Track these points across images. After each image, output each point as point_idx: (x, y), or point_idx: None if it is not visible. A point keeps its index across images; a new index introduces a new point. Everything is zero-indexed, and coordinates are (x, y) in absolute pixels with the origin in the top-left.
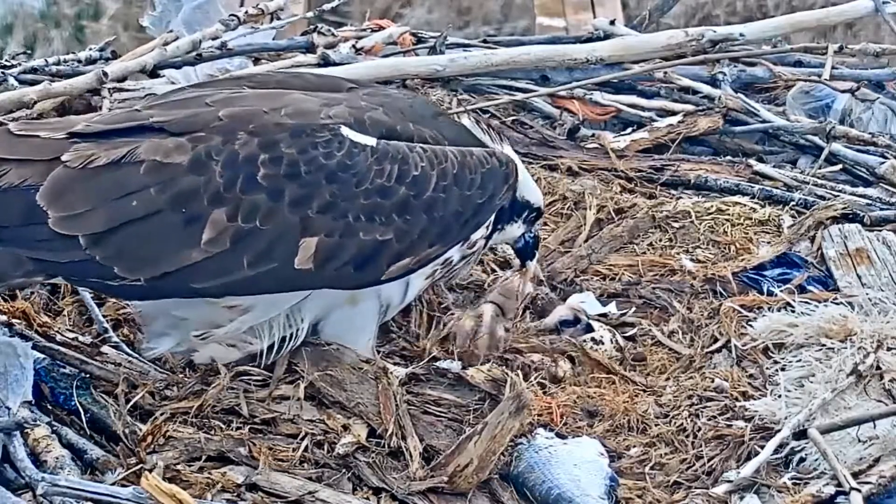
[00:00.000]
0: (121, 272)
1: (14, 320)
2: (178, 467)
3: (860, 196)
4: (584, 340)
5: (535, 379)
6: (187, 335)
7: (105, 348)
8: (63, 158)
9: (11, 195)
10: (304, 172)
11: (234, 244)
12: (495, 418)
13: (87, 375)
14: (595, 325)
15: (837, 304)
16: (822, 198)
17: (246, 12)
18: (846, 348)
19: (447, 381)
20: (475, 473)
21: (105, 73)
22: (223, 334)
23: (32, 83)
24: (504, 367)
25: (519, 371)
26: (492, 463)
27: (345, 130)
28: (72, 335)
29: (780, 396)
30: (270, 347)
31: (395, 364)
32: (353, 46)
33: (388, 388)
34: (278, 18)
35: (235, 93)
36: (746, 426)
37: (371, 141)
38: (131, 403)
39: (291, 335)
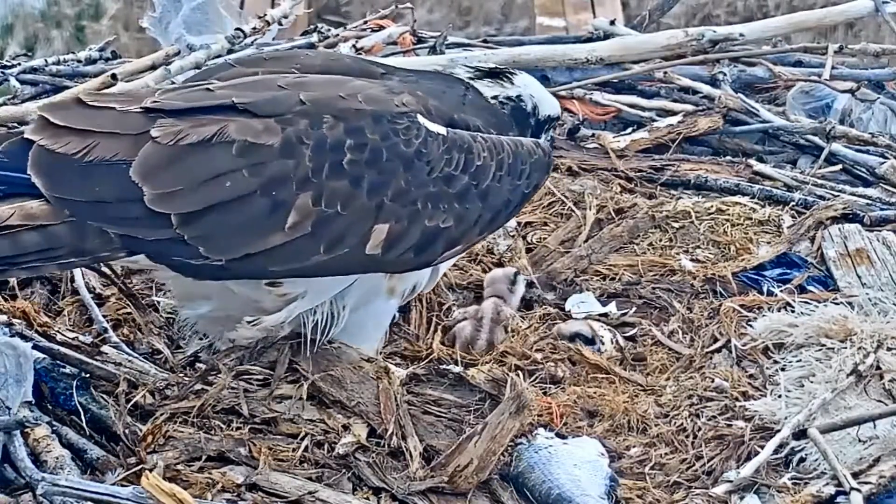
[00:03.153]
0: (206, 252)
1: (14, 320)
2: (178, 467)
3: (860, 196)
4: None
5: (535, 379)
6: (231, 323)
7: (105, 348)
8: (153, 134)
9: (103, 170)
10: (385, 159)
11: (314, 229)
12: (496, 418)
13: (87, 375)
14: (595, 325)
15: (837, 304)
16: (822, 198)
17: (253, 28)
18: (846, 348)
19: (448, 381)
20: (475, 473)
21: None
22: (272, 322)
23: (33, 83)
24: (504, 368)
25: (519, 372)
26: (492, 463)
27: (421, 119)
28: (72, 335)
29: (780, 396)
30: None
31: (395, 364)
32: (354, 46)
33: (389, 388)
34: (280, 25)
35: (301, 77)
36: (746, 426)
37: (442, 129)
38: (131, 403)
39: (331, 323)
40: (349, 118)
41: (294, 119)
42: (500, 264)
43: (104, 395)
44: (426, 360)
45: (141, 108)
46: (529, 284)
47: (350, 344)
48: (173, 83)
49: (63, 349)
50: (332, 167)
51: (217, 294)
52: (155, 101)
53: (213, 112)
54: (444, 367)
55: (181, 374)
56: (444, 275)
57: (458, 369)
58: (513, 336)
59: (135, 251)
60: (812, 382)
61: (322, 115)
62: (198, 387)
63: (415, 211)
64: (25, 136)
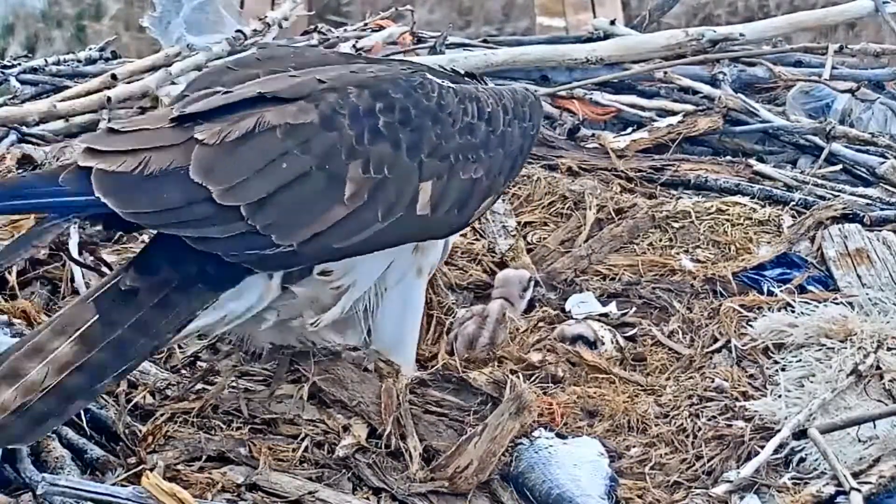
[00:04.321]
0: (277, 239)
1: (15, 320)
2: (179, 467)
3: (860, 196)
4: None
5: (536, 380)
6: (289, 331)
7: None
8: (198, 137)
9: (164, 179)
10: (414, 116)
11: (370, 197)
12: (495, 419)
13: None
14: (596, 325)
15: (837, 304)
16: (822, 198)
17: (254, 30)
18: (846, 348)
19: (451, 384)
20: (475, 474)
21: (109, 98)
22: (331, 318)
23: (33, 83)
24: (504, 369)
25: (519, 373)
26: (492, 464)
27: (430, 76)
28: None
29: (780, 396)
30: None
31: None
32: (354, 46)
33: (392, 388)
34: (280, 27)
35: (303, 69)
36: (746, 426)
37: (449, 83)
38: (132, 404)
39: (374, 307)
40: (371, 85)
41: (322, 96)
42: (502, 264)
43: (104, 395)
44: (429, 361)
45: (171, 120)
46: (535, 284)
47: (389, 353)
48: (177, 86)
49: None
50: (371, 132)
51: (279, 302)
52: (182, 112)
53: (242, 107)
54: (449, 372)
55: (182, 375)
56: (444, 275)
57: (460, 374)
58: (513, 337)
59: (208, 250)
60: (812, 382)
61: (346, 88)
62: (198, 387)
63: (450, 165)
64: (80, 164)
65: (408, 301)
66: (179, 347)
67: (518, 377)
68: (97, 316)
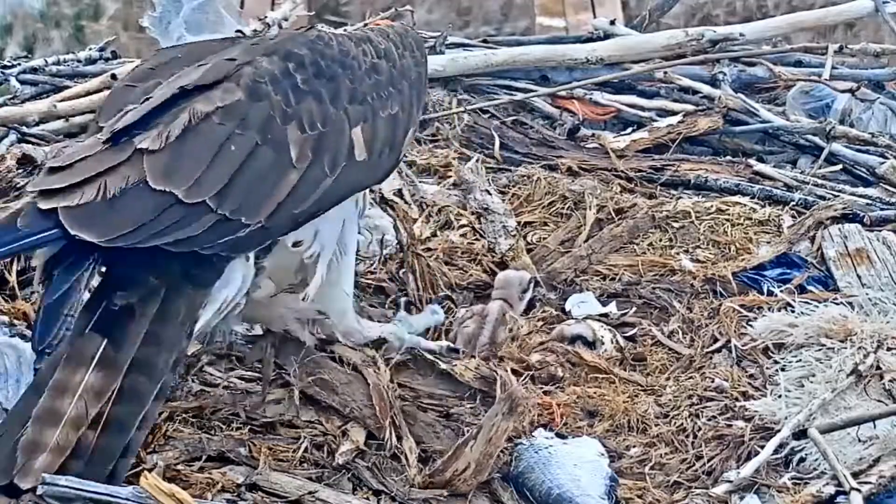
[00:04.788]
0: (247, 220)
1: (15, 321)
2: (179, 467)
3: (860, 196)
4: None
5: (535, 380)
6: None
7: None
8: (142, 147)
9: (130, 197)
10: (325, 67)
11: (314, 154)
12: (489, 420)
13: None
14: (595, 325)
15: (837, 304)
16: (822, 198)
17: (254, 30)
18: (846, 348)
19: (438, 377)
20: (473, 476)
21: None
22: (315, 287)
23: (33, 83)
24: (492, 364)
25: (515, 372)
26: (489, 465)
27: (320, 27)
28: None
29: (780, 396)
30: None
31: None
32: None
33: (379, 384)
34: (280, 27)
35: (201, 59)
36: (746, 426)
37: (340, 30)
38: None
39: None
40: (276, 50)
41: (239, 72)
42: (502, 264)
43: None
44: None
45: (105, 142)
46: (535, 284)
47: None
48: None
49: None
50: (295, 91)
51: (264, 281)
52: (111, 131)
53: (168, 107)
54: (428, 357)
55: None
56: (445, 275)
57: (444, 365)
58: (513, 337)
59: (188, 249)
60: (812, 382)
61: (255, 59)
62: (196, 388)
63: (370, 107)
64: (39, 206)
65: (351, 256)
66: None
67: (507, 371)
68: (105, 340)
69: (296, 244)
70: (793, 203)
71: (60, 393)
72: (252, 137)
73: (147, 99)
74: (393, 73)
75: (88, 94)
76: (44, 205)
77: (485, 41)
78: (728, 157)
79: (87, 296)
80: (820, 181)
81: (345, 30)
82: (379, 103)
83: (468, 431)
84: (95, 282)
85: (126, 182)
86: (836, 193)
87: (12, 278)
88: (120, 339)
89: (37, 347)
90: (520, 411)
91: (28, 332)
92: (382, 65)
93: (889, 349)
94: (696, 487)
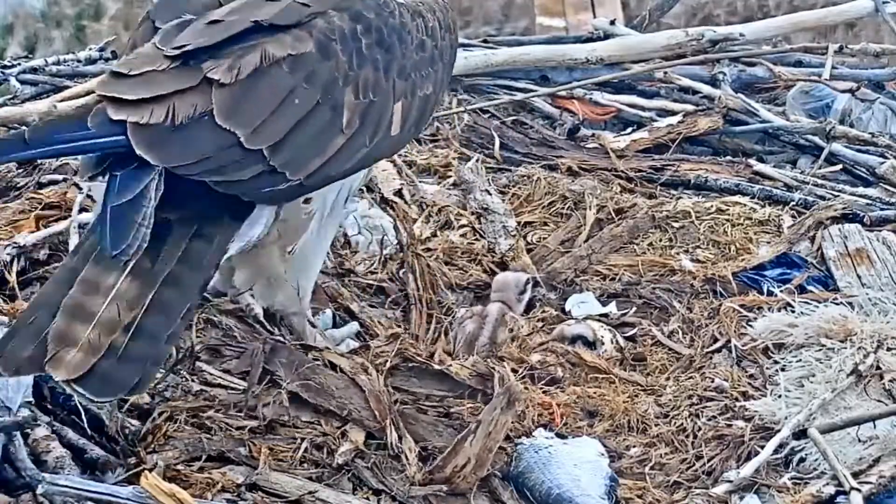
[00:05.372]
0: (291, 175)
1: (14, 320)
2: (179, 467)
3: (860, 196)
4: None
5: (535, 380)
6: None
7: None
8: (212, 77)
9: (193, 128)
10: (386, 36)
11: (361, 123)
12: (488, 415)
13: None
14: (595, 325)
15: (837, 304)
16: (822, 198)
17: None
18: (846, 348)
19: (434, 377)
20: (474, 472)
21: None
22: (303, 243)
23: (33, 83)
24: (488, 362)
25: (505, 365)
26: (489, 460)
27: None
28: None
29: (780, 396)
30: None
31: (383, 363)
32: None
33: (373, 388)
34: None
35: None
36: (746, 426)
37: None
38: (129, 403)
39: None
40: (346, 7)
41: (312, 23)
42: (502, 264)
43: None
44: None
45: (172, 59)
46: (535, 284)
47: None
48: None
49: None
50: (358, 55)
51: (274, 227)
52: (180, 49)
53: (240, 39)
54: (420, 361)
55: (180, 375)
56: (445, 275)
57: (437, 365)
58: (513, 338)
59: (234, 192)
60: (812, 382)
61: (328, 12)
62: (196, 388)
63: (413, 84)
64: (111, 116)
65: (335, 225)
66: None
67: (505, 367)
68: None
69: (306, 201)
70: (793, 203)
71: (92, 290)
72: (315, 94)
73: (214, 21)
74: (434, 52)
75: (88, 93)
76: (114, 114)
77: (485, 41)
78: (728, 157)
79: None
80: (820, 181)
81: None
82: (419, 81)
83: (467, 428)
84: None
85: (194, 111)
86: (836, 193)
87: (12, 279)
88: (156, 252)
89: (110, 251)
90: (517, 406)
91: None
92: (428, 43)
93: (889, 349)
94: (696, 487)
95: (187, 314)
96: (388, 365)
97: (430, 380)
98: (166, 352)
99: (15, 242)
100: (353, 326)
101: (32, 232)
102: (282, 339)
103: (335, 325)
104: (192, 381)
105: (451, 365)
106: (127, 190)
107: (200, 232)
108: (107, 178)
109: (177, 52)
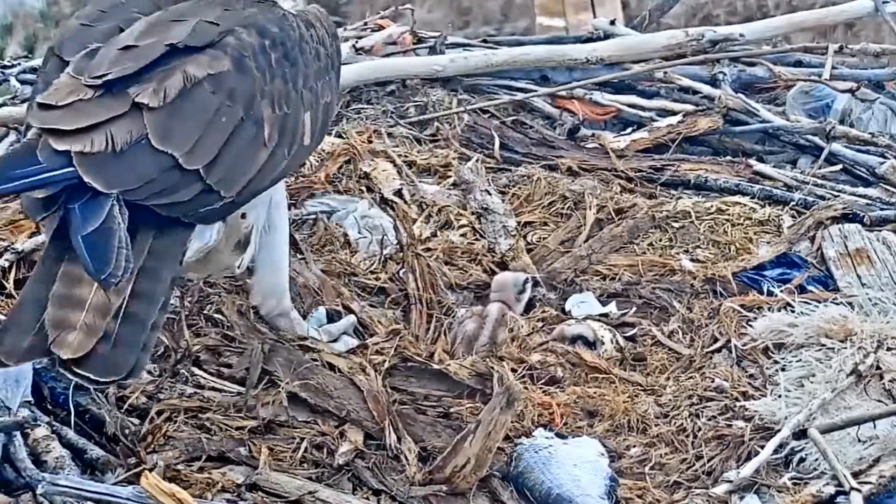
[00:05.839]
0: (225, 193)
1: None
2: (179, 467)
3: (860, 196)
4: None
5: (535, 380)
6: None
7: None
8: (141, 101)
9: (136, 153)
10: (290, 49)
11: (280, 135)
12: (487, 415)
13: None
14: (595, 325)
15: (837, 304)
16: (822, 198)
17: None
18: (846, 348)
19: (432, 377)
20: (473, 472)
21: None
22: (249, 256)
23: (33, 83)
24: (488, 361)
25: (504, 365)
26: (489, 459)
27: (281, 3)
28: None
29: (780, 396)
30: None
31: (381, 362)
32: (353, 46)
33: (372, 389)
34: None
35: (163, 13)
36: (746, 426)
37: (290, 8)
38: (127, 403)
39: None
40: (253, 24)
41: (224, 41)
42: (502, 264)
43: (103, 396)
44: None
45: (95, 88)
46: (535, 284)
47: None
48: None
49: None
50: (269, 70)
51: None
52: (102, 77)
53: (159, 63)
54: (419, 361)
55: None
56: (445, 275)
57: (436, 365)
58: (513, 338)
59: (175, 214)
60: (812, 382)
61: (235, 29)
62: (190, 390)
63: (316, 93)
64: (53, 146)
65: (284, 229)
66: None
67: (504, 366)
68: None
69: (243, 216)
70: (793, 203)
71: (76, 282)
72: (238, 111)
73: (128, 47)
74: (328, 61)
75: None
76: (58, 145)
77: (485, 41)
78: (728, 157)
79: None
80: (820, 181)
81: (293, 8)
82: (320, 90)
83: (467, 428)
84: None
85: (130, 136)
86: (836, 193)
87: (9, 285)
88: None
89: (98, 277)
90: (517, 405)
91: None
92: (322, 52)
93: (889, 349)
94: (696, 487)
95: (165, 304)
96: (386, 365)
97: (428, 380)
98: (153, 339)
99: (13, 248)
100: (350, 319)
101: (31, 236)
102: (280, 340)
103: (330, 321)
104: (192, 381)
105: (449, 364)
106: (92, 218)
107: (157, 239)
108: (60, 213)
109: (98, 80)
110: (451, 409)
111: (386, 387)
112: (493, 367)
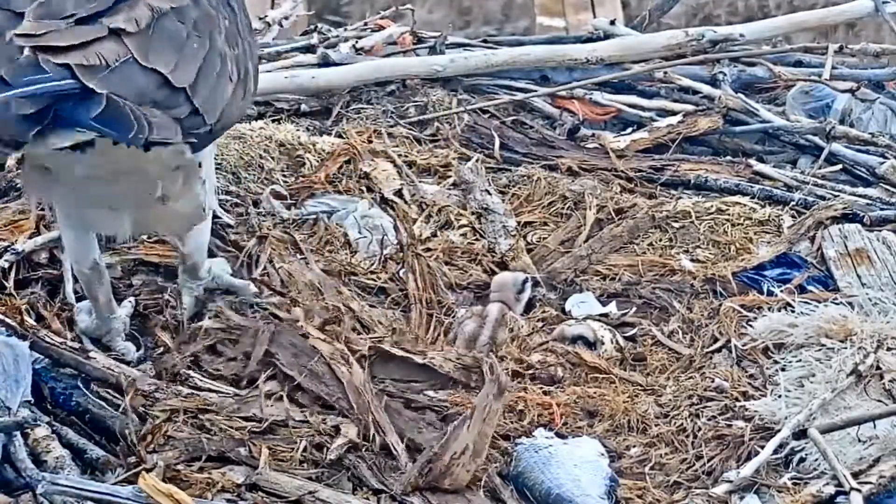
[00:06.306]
0: (208, 119)
1: (13, 322)
2: (179, 467)
3: (860, 196)
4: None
5: (535, 380)
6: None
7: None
8: (116, 26)
9: (127, 69)
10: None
11: (238, 72)
12: (481, 402)
13: (87, 375)
14: (595, 325)
15: (837, 304)
16: (822, 198)
17: (254, 29)
18: (846, 348)
19: (420, 372)
20: (472, 459)
21: None
22: (202, 201)
23: None
24: (473, 354)
25: (494, 357)
26: (486, 447)
27: None
28: (71, 334)
29: (780, 396)
30: None
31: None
32: (353, 46)
33: (352, 380)
34: (280, 26)
35: None
36: (746, 426)
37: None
38: (129, 399)
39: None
40: None
41: None
42: (502, 264)
43: (103, 396)
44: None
45: (73, 22)
46: (535, 284)
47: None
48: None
49: (61, 349)
50: (220, 10)
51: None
52: (71, 16)
53: (123, 1)
54: (401, 350)
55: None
56: (445, 275)
57: (420, 359)
58: (513, 338)
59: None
60: (812, 382)
61: None
62: (185, 391)
63: (250, 43)
64: (53, 61)
65: (213, 190)
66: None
67: (492, 356)
68: None
69: (199, 164)
70: (793, 203)
71: None
72: (205, 42)
73: None
74: (244, 18)
75: None
76: (57, 60)
77: (485, 41)
78: (728, 157)
79: None
80: (820, 181)
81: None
82: (249, 43)
83: (463, 415)
84: None
85: (118, 56)
86: (836, 193)
87: (10, 284)
88: None
89: (127, 139)
90: (507, 394)
91: (26, 332)
92: (241, 6)
93: (889, 349)
94: (696, 487)
95: None
96: (371, 357)
97: (414, 372)
98: None
99: (13, 248)
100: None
101: (31, 236)
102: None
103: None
104: (191, 381)
105: (434, 357)
106: (94, 106)
107: None
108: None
109: (68, 20)
110: (436, 401)
111: (370, 378)
112: (479, 359)
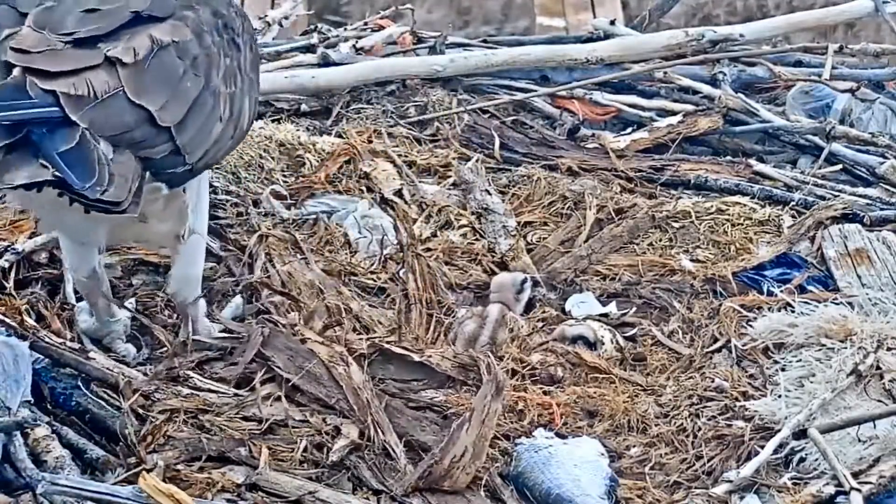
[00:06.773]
0: (189, 158)
1: (13, 322)
2: (179, 467)
3: (860, 196)
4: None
5: (535, 380)
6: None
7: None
8: (113, 56)
9: (114, 102)
10: (237, 35)
11: (230, 111)
12: (480, 402)
13: (87, 375)
14: (595, 325)
15: (837, 304)
16: (822, 198)
17: (254, 29)
18: (846, 348)
19: (417, 371)
20: (472, 461)
21: None
22: (189, 231)
23: None
24: (470, 352)
25: (492, 357)
26: (485, 449)
27: None
28: (71, 335)
29: (780, 396)
30: None
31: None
32: (353, 46)
33: (350, 381)
34: (280, 26)
35: None
36: (746, 426)
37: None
38: (130, 402)
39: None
40: (207, 2)
41: (183, 14)
42: (502, 264)
43: (103, 397)
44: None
45: (65, 43)
46: (535, 284)
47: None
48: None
49: (61, 349)
50: (223, 48)
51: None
52: (71, 34)
53: (127, 27)
54: (400, 347)
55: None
56: (445, 275)
57: (417, 357)
58: (514, 338)
59: (151, 173)
60: (812, 382)
61: (191, 5)
62: (185, 392)
63: (251, 80)
64: (42, 87)
65: (204, 222)
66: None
67: (489, 355)
68: None
69: (185, 189)
70: (793, 203)
71: None
72: (200, 80)
73: (90, 10)
74: (248, 54)
75: None
76: (44, 85)
77: (485, 41)
78: (728, 157)
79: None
80: (820, 181)
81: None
82: (251, 77)
83: (462, 417)
84: None
85: (108, 87)
86: (836, 193)
87: (10, 284)
88: None
89: (80, 185)
90: (505, 393)
91: (26, 332)
92: (254, 46)
93: (889, 349)
94: (696, 487)
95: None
96: (370, 356)
97: (412, 371)
98: None
99: (14, 248)
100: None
101: (31, 236)
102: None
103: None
104: (191, 382)
105: (431, 356)
106: (65, 139)
107: None
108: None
109: (67, 38)
110: (436, 401)
111: (368, 378)
112: (476, 358)
